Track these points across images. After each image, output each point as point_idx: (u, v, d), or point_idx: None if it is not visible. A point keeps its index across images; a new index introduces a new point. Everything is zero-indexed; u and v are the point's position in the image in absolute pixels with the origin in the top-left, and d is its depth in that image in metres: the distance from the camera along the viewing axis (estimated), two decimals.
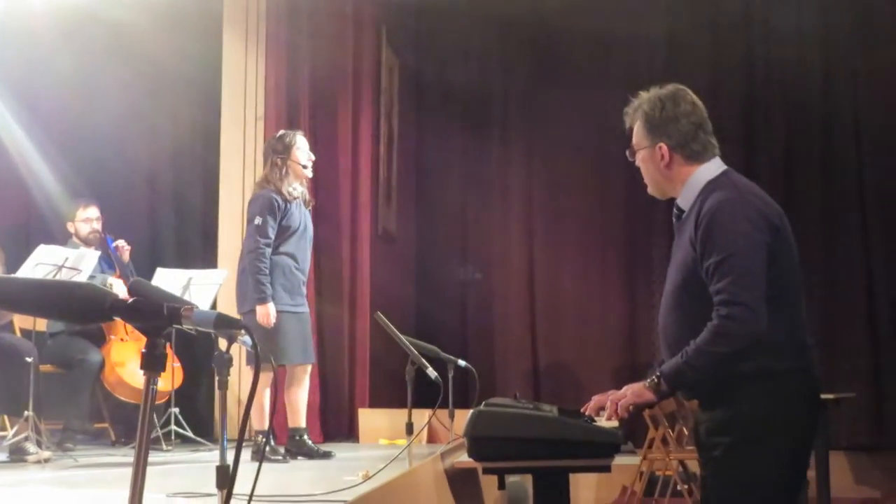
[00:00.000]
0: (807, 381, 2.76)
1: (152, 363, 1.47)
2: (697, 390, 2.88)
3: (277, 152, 5.71)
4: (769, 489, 2.69)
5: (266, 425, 5.60)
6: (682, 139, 2.85)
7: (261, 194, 5.68)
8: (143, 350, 1.50)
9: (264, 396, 5.59)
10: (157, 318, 1.50)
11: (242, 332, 1.62)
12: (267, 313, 5.45)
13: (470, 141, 9.59)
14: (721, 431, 2.74)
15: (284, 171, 5.66)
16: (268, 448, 5.44)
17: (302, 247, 5.73)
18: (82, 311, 1.52)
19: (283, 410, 5.98)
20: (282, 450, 5.73)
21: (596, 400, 2.93)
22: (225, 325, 1.55)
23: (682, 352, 2.73)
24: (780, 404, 2.68)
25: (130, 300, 1.51)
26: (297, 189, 5.70)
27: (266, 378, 5.58)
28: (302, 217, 5.73)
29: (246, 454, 5.46)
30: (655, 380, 2.79)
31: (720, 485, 2.78)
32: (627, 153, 3.00)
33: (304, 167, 5.73)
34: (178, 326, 1.52)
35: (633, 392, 2.83)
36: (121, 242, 6.81)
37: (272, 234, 5.53)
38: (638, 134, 2.93)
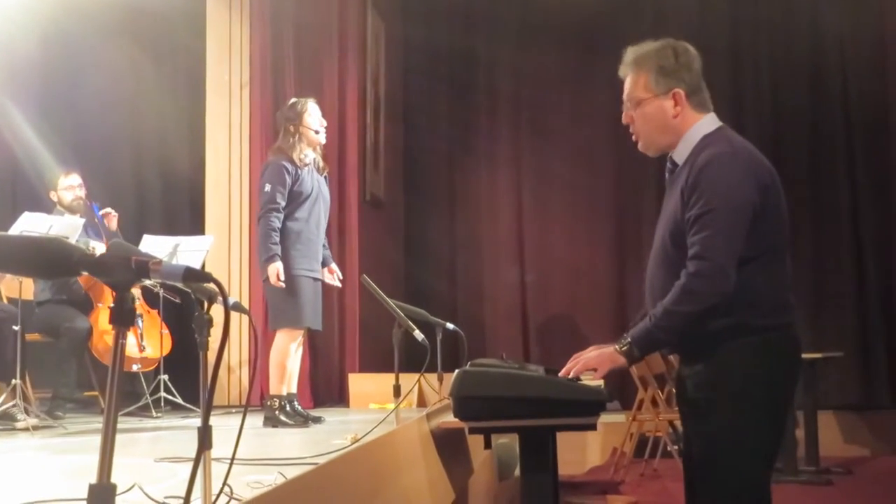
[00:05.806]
0: (788, 338, 2.76)
1: (121, 318, 1.45)
2: (678, 346, 2.87)
3: (289, 119, 5.71)
4: (751, 444, 2.70)
5: (284, 390, 5.51)
6: (694, 86, 2.85)
7: (271, 161, 5.68)
8: (112, 305, 1.49)
9: (288, 358, 5.55)
10: (125, 271, 1.49)
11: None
12: (276, 272, 5.43)
13: (457, 105, 9.56)
14: (705, 387, 2.75)
15: (297, 137, 5.66)
16: (284, 413, 5.43)
17: (316, 212, 5.69)
18: (50, 265, 1.50)
19: (266, 374, 5.95)
20: (302, 411, 5.65)
21: (575, 369, 2.90)
22: (194, 278, 1.54)
23: (650, 314, 2.72)
24: (761, 360, 2.68)
25: (98, 254, 1.51)
26: (308, 155, 5.69)
27: (293, 340, 5.58)
28: (315, 183, 5.71)
29: (258, 419, 5.46)
30: (626, 344, 2.77)
31: (703, 440, 2.79)
32: (626, 105, 2.91)
33: (317, 132, 5.72)
34: (147, 280, 1.51)
35: (608, 358, 2.81)
36: (107, 210, 6.77)
37: (281, 200, 5.51)
38: (643, 84, 2.85)
